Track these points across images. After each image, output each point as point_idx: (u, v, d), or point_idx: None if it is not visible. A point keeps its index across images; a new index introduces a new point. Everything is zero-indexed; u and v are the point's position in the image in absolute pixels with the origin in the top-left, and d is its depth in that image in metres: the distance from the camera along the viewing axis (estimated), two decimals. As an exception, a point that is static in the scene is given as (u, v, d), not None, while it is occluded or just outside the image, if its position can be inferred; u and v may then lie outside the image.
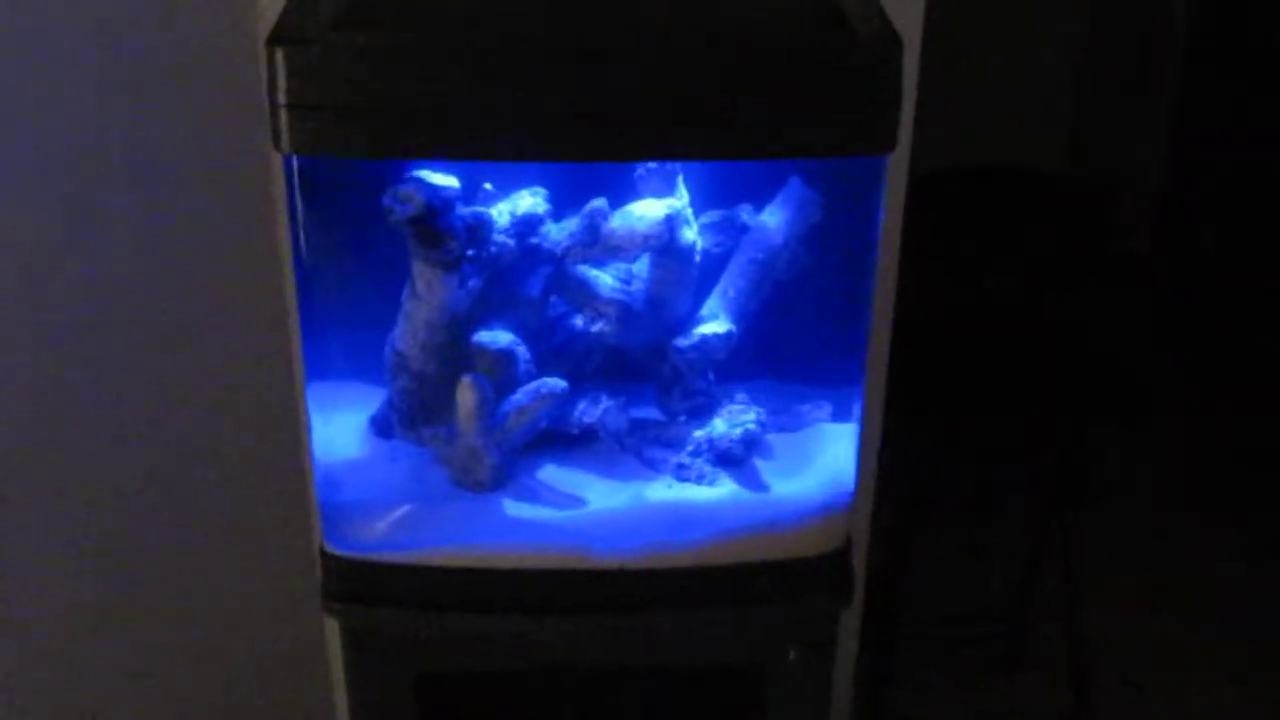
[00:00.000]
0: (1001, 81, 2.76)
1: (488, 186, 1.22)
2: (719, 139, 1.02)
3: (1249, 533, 2.54)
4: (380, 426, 1.29)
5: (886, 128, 1.04)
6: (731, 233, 1.27)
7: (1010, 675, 2.20)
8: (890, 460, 1.37)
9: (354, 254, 1.20)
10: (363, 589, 1.20)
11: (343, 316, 1.22)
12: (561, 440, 1.27)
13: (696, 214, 1.24)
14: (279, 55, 1.00)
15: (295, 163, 1.05)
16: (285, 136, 1.02)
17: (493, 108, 1.00)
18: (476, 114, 1.00)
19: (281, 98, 1.01)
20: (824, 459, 1.27)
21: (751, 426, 1.24)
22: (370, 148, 1.02)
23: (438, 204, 1.14)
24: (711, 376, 1.27)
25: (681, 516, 1.22)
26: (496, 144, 1.01)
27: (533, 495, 1.23)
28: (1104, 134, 2.85)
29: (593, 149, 1.02)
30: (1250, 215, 2.84)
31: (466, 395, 1.18)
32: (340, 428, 1.28)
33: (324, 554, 1.20)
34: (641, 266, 1.26)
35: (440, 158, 1.09)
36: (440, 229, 1.14)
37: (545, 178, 1.22)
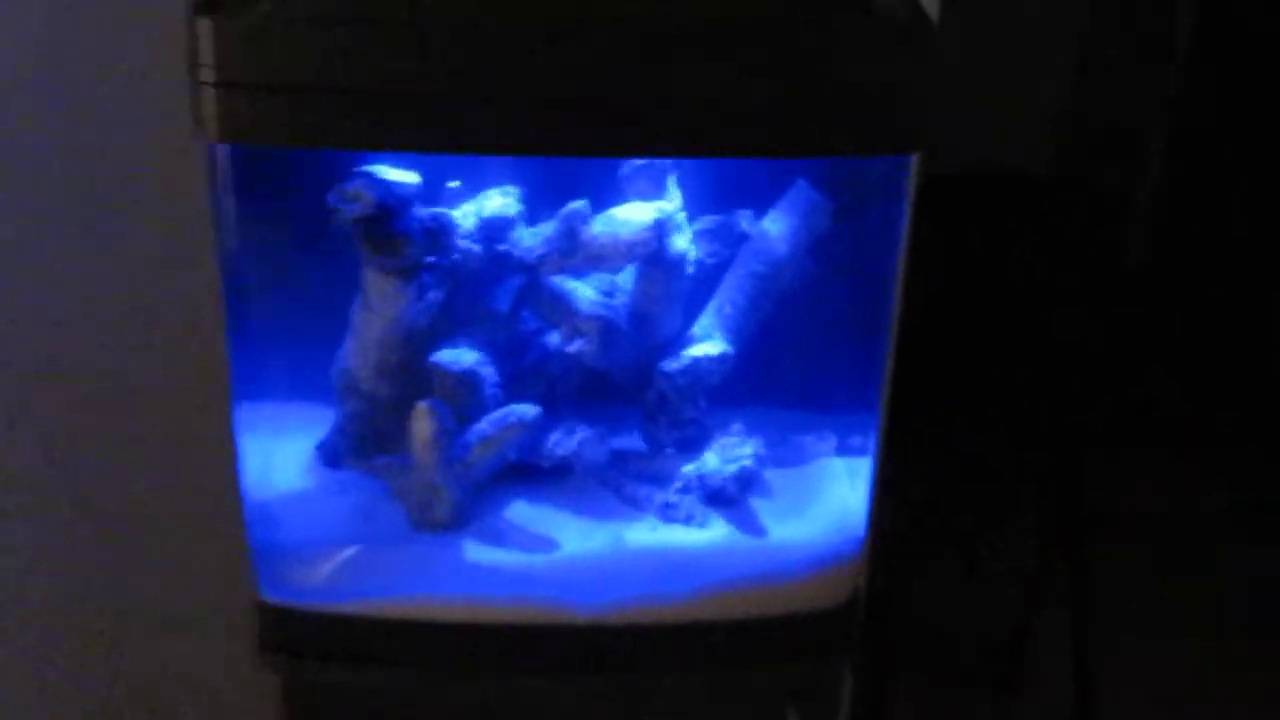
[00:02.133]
0: (996, 82, 2.63)
1: (453, 185, 1.07)
2: (718, 133, 0.88)
3: (1259, 557, 2.43)
4: (328, 455, 1.13)
5: (913, 122, 0.90)
6: (729, 241, 1.12)
7: (1011, 697, 2.09)
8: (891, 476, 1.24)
9: (294, 257, 1.06)
10: (304, 642, 1.05)
11: (284, 329, 1.07)
12: (532, 474, 1.12)
13: (690, 219, 1.09)
14: (206, 26, 0.85)
15: (223, 153, 0.91)
16: (213, 122, 0.87)
17: (462, 90, 0.85)
18: (441, 97, 0.85)
19: (208, 76, 0.86)
20: (829, 498, 1.13)
21: (748, 463, 1.10)
22: (312, 135, 0.87)
23: (392, 203, 0.99)
24: (703, 404, 1.12)
25: (667, 564, 1.07)
26: (464, 133, 0.86)
27: (498, 537, 1.08)
28: (1099, 140, 2.74)
29: (576, 142, 0.87)
30: (1254, 226, 2.73)
31: (422, 424, 1.03)
32: (283, 456, 1.13)
33: (259, 603, 1.05)
34: (626, 278, 1.11)
35: (395, 148, 0.93)
36: (394, 232, 0.99)
37: (518, 176, 1.07)
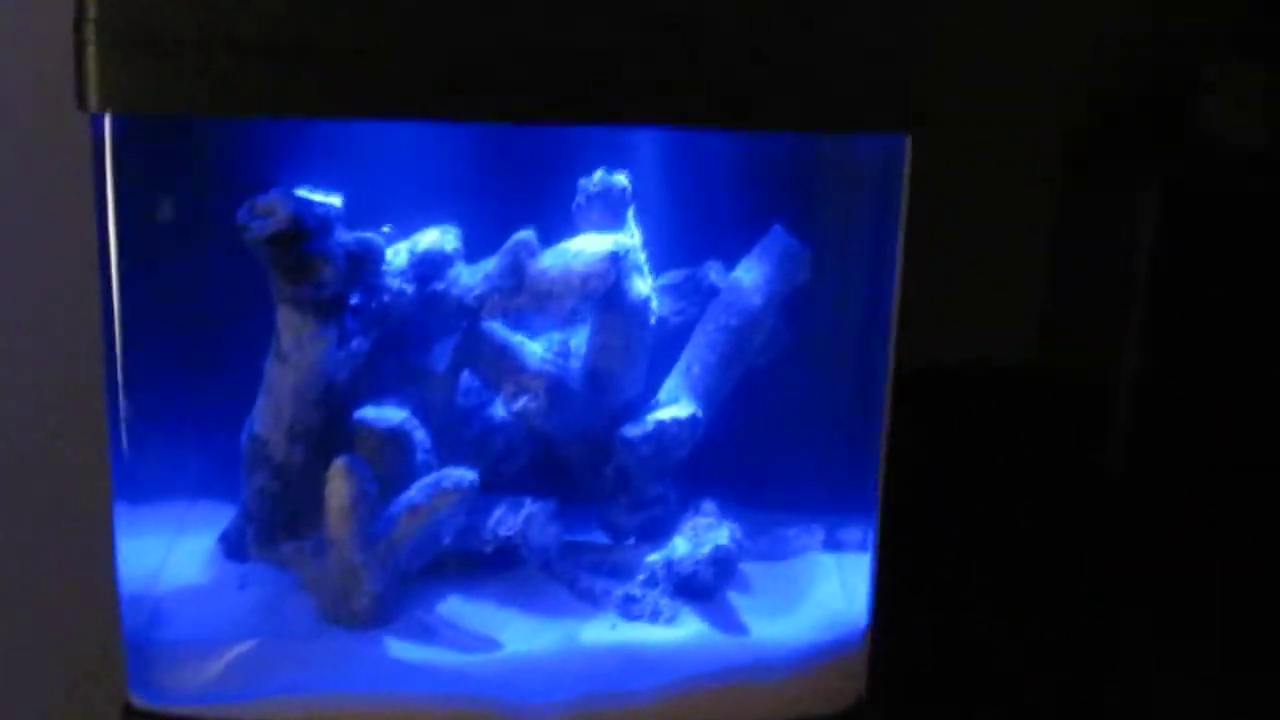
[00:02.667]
0: (971, 272, 2.58)
1: (385, 229, 0.94)
2: (695, 100, 0.77)
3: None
4: (231, 545, 0.96)
5: (909, 96, 0.79)
6: (696, 298, 0.99)
7: None
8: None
9: (194, 300, 0.92)
10: (180, 758, 0.86)
11: (182, 398, 0.93)
12: (470, 564, 0.95)
13: (652, 275, 0.97)
14: (93, -27, 0.74)
15: (107, 133, 0.78)
16: (94, 88, 0.75)
17: (390, 45, 0.74)
18: (367, 50, 0.74)
19: (91, 32, 0.74)
20: (821, 595, 0.96)
21: (724, 541, 0.93)
22: (210, 100, 0.75)
23: (310, 222, 0.86)
24: (669, 483, 0.97)
25: (629, 661, 0.89)
26: (391, 94, 0.74)
27: (427, 634, 0.90)
28: (1075, 329, 2.66)
29: (538, 106, 0.75)
30: (1236, 430, 2.62)
31: (339, 485, 0.87)
32: (179, 547, 0.96)
33: (128, 711, 0.86)
34: (580, 341, 0.98)
35: (315, 113, 0.80)
36: (311, 253, 0.86)
37: (456, 212, 0.95)
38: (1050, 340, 2.01)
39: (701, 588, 0.94)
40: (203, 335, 0.94)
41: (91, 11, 0.74)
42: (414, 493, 0.90)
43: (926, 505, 1.36)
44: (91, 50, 0.74)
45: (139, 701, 0.85)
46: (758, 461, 1.01)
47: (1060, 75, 1.58)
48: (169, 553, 0.97)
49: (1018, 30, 1.51)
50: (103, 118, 0.77)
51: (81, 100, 0.75)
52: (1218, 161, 2.44)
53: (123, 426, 0.88)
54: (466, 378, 0.97)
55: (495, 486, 0.96)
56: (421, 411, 0.94)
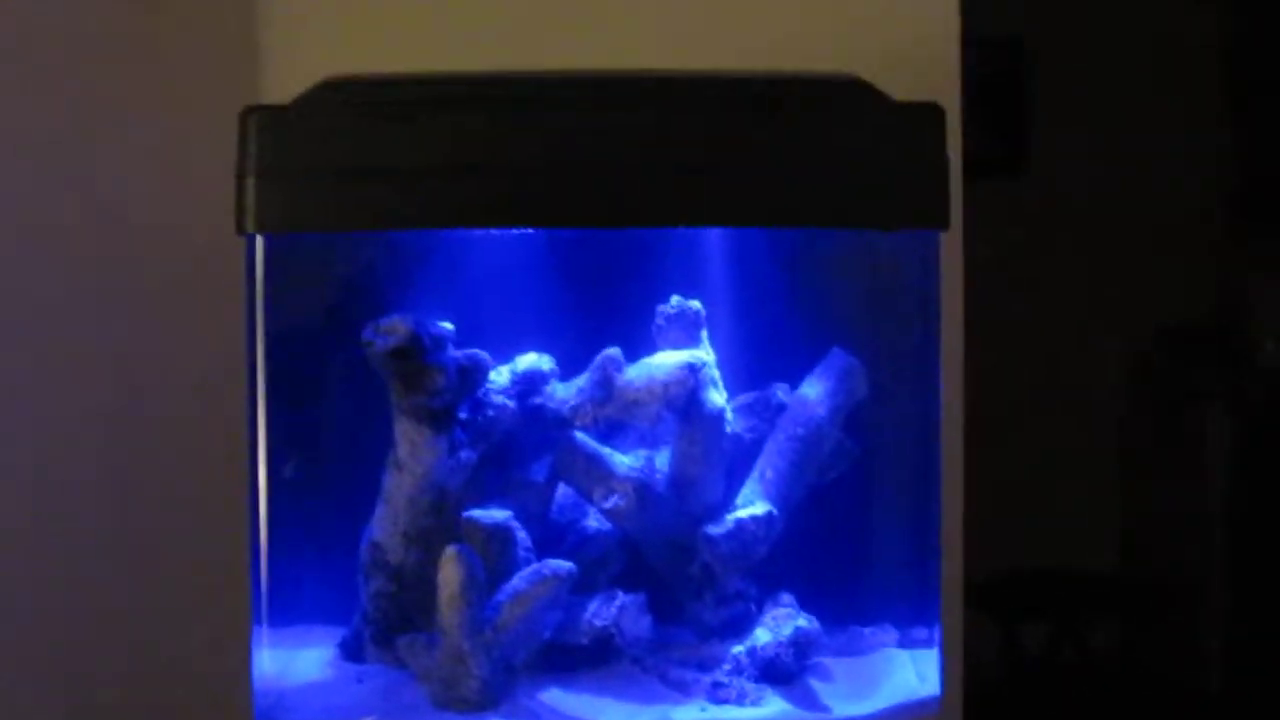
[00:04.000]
0: (1044, 479, 2.64)
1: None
2: (748, 205, 0.90)
3: None
4: (350, 649, 1.05)
5: (935, 199, 0.92)
6: (766, 415, 1.09)
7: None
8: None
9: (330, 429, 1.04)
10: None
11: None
12: (568, 658, 1.02)
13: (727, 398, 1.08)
14: (253, 121, 0.90)
15: (261, 254, 0.92)
16: (251, 211, 0.90)
17: (483, 169, 0.89)
18: (466, 177, 0.89)
19: (252, 167, 0.90)
20: (896, 682, 1.02)
21: (803, 623, 1.00)
22: (349, 220, 0.90)
23: (426, 340, 0.99)
24: (750, 580, 1.05)
25: (721, 735, 0.95)
26: (491, 210, 0.89)
27: (532, 718, 0.98)
28: (1153, 534, 2.69)
29: (604, 213, 0.89)
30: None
31: (451, 570, 0.96)
32: (302, 658, 1.05)
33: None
34: (664, 460, 1.08)
35: (431, 224, 0.94)
36: (427, 364, 0.98)
37: (548, 341, 1.07)
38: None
39: (784, 670, 1.00)
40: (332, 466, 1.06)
41: (250, 151, 0.90)
42: (517, 581, 0.99)
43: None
44: (250, 183, 0.90)
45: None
46: (830, 568, 1.09)
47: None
48: (291, 660, 1.05)
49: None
50: (254, 238, 0.92)
51: (240, 223, 0.91)
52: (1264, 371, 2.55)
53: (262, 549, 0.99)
54: (562, 493, 1.08)
55: (590, 592, 1.05)
56: (522, 519, 1.04)
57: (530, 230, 1.00)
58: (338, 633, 1.08)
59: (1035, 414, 2.68)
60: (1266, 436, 2.57)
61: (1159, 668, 2.57)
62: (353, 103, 0.90)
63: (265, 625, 0.99)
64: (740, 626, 1.04)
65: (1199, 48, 2.85)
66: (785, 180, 0.90)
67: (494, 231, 1.01)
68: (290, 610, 1.03)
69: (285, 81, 0.96)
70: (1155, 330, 2.79)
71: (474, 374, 1.01)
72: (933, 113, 0.93)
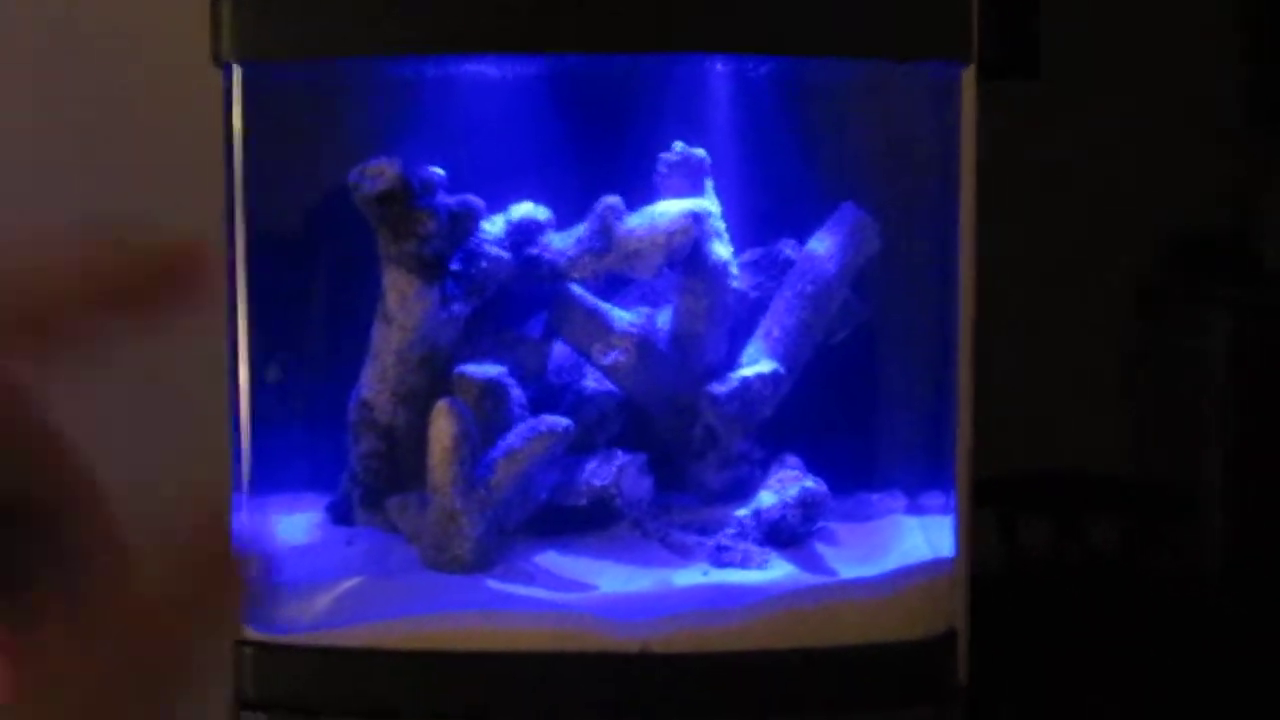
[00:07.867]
0: (1052, 384, 2.60)
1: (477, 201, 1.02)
2: (752, 30, 0.84)
3: None
4: (338, 512, 1.01)
5: (957, 28, 0.86)
6: (772, 271, 1.04)
7: None
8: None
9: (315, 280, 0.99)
10: (292, 684, 0.88)
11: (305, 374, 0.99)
12: (565, 521, 0.99)
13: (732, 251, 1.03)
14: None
15: (239, 88, 0.87)
16: (226, 38, 0.84)
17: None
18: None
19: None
20: (906, 547, 0.98)
21: (810, 485, 0.96)
22: (325, 44, 0.84)
23: (415, 183, 0.94)
24: (754, 441, 1.01)
25: (722, 592, 0.91)
26: (473, 31, 0.83)
27: (525, 578, 0.93)
28: (1162, 441, 2.66)
29: (604, 37, 0.83)
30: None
31: (443, 424, 0.92)
32: (287, 521, 1.01)
33: (240, 643, 0.89)
34: (665, 317, 1.03)
35: (409, 50, 0.89)
36: (416, 209, 0.93)
37: (545, 188, 1.02)
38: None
39: (790, 532, 0.96)
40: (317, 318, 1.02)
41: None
42: (512, 438, 0.94)
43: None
44: (226, 6, 0.84)
45: (251, 633, 0.89)
46: (838, 432, 1.05)
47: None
48: (275, 525, 1.01)
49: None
50: (231, 68, 0.87)
51: (215, 52, 0.85)
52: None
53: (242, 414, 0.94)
54: (559, 353, 1.03)
55: (588, 453, 1.00)
56: (517, 376, 1.00)
57: (526, 68, 0.95)
58: (325, 499, 1.05)
59: (1042, 317, 2.63)
60: (1270, 341, 2.54)
61: (1162, 568, 2.55)
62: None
63: (245, 493, 0.95)
64: (744, 489, 1.00)
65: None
66: (792, 3, 0.84)
67: (488, 69, 0.96)
68: (274, 477, 1.00)
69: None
70: (1164, 235, 2.75)
71: (466, 221, 0.96)
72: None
